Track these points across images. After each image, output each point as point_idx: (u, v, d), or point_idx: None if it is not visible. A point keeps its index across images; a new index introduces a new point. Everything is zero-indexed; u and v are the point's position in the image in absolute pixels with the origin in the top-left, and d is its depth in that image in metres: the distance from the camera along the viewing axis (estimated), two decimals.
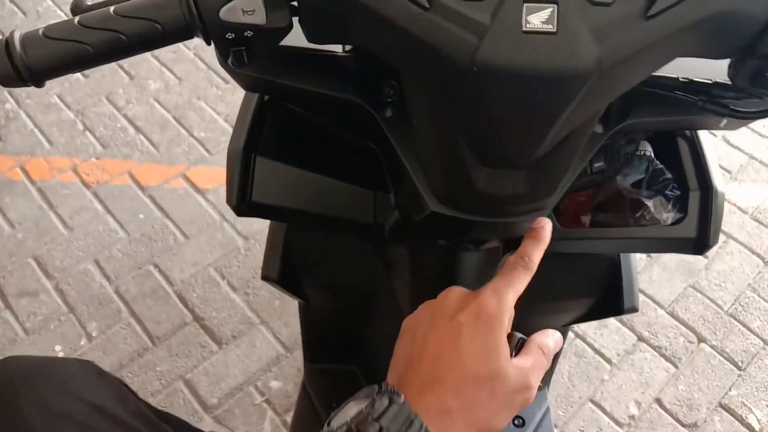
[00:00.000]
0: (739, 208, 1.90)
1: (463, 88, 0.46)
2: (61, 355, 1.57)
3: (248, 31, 0.46)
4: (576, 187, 0.75)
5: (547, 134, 0.48)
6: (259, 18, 0.45)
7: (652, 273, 1.74)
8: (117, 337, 1.60)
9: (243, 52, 0.47)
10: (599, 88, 0.46)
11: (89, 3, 0.55)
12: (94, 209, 1.83)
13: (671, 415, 1.52)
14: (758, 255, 1.80)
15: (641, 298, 1.70)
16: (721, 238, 1.83)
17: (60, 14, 2.36)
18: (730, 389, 1.57)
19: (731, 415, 1.53)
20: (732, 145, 2.02)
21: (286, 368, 1.55)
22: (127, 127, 2.02)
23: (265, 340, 1.59)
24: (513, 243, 0.71)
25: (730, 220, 1.87)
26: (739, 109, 0.54)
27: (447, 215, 0.59)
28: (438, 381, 0.50)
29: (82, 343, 1.59)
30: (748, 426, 1.52)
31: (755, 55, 0.47)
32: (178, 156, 1.95)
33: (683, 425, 1.51)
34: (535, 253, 0.58)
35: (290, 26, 0.48)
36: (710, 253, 1.79)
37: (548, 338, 0.56)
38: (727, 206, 1.89)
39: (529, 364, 0.53)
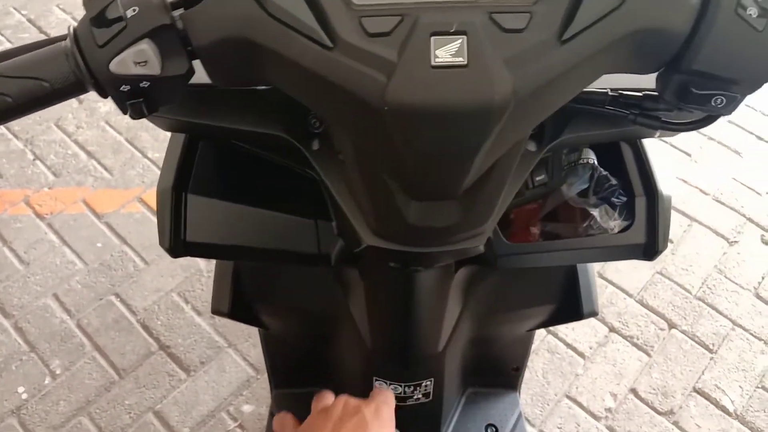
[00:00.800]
0: (700, 190, 1.91)
1: (378, 126, 0.43)
2: (24, 396, 1.52)
3: (144, 82, 0.43)
4: (520, 201, 0.73)
5: (470, 166, 0.46)
6: (154, 68, 0.42)
7: (618, 263, 1.74)
8: (82, 373, 1.56)
9: (141, 104, 0.44)
10: (519, 117, 0.44)
11: None
12: (49, 241, 1.78)
13: (647, 404, 1.53)
14: (722, 236, 1.81)
15: (610, 288, 1.70)
16: (685, 221, 1.84)
17: (1, 39, 2.29)
18: (703, 373, 1.57)
19: (706, 398, 1.54)
20: None
21: (258, 390, 1.52)
22: (78, 153, 1.97)
23: (234, 364, 1.56)
24: (466, 258, 0.70)
25: (692, 203, 1.88)
26: (671, 120, 0.53)
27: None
28: None
29: (46, 382, 1.54)
30: (722, 408, 1.52)
31: (679, 69, 0.45)
32: (132, 179, 1.90)
33: (660, 413, 1.51)
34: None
35: (191, 72, 0.45)
36: (675, 237, 1.80)
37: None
38: (688, 189, 1.90)
39: None
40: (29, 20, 2.35)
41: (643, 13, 0.43)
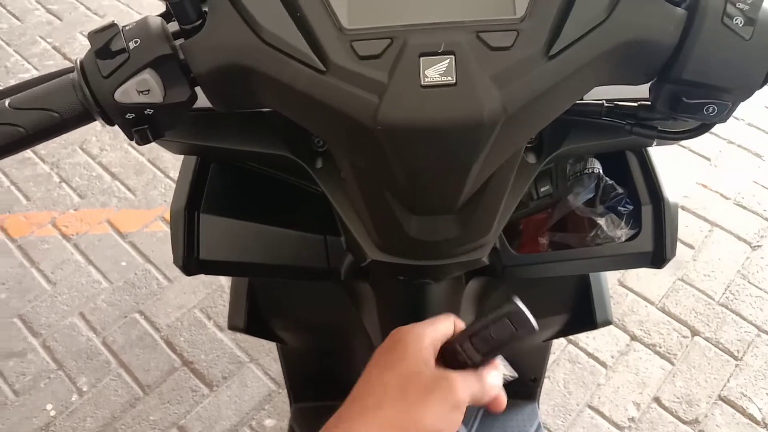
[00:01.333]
0: (721, 195, 1.88)
1: (373, 146, 0.45)
2: (53, 414, 1.55)
3: (148, 110, 0.45)
4: (526, 212, 0.74)
5: (465, 182, 0.47)
6: (156, 96, 0.44)
7: (638, 270, 1.72)
8: (108, 390, 1.59)
9: (146, 130, 0.46)
10: (510, 132, 0.45)
11: None
12: (75, 261, 1.82)
13: (671, 413, 1.51)
14: (744, 241, 1.79)
15: (631, 296, 1.69)
16: (706, 226, 1.82)
17: (28, 67, 2.36)
18: (728, 381, 1.55)
19: (732, 407, 1.51)
20: (709, 132, 2.00)
21: (279, 404, 1.53)
22: (102, 174, 2.02)
23: (255, 378, 1.57)
24: (476, 269, 0.70)
25: (713, 208, 1.85)
26: (667, 129, 0.53)
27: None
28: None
29: (73, 399, 1.58)
30: (750, 417, 1.50)
31: (670, 79, 0.46)
32: (155, 199, 1.94)
33: (684, 422, 1.49)
34: None
35: (193, 98, 0.47)
36: (696, 243, 1.78)
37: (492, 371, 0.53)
38: (709, 194, 1.88)
39: (455, 374, 0.50)
40: (54, 47, 2.42)
41: (628, 26, 0.44)
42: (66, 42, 2.44)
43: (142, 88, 0.44)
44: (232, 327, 0.90)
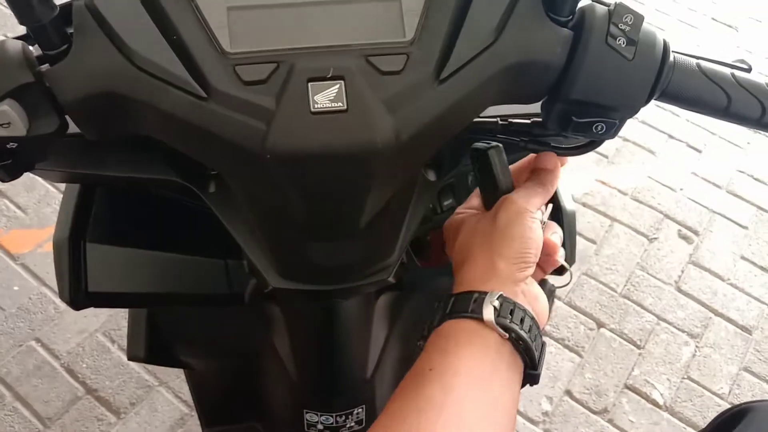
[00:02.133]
0: (619, 190, 1.98)
1: (264, 174, 0.43)
2: None
3: (11, 143, 0.41)
4: (431, 226, 0.73)
5: (363, 206, 0.46)
6: (19, 129, 0.40)
7: None
8: (2, 426, 1.47)
9: (10, 166, 0.42)
10: (406, 155, 0.44)
11: None
12: None
13: (582, 404, 1.56)
14: (642, 234, 1.88)
15: None
16: (607, 222, 1.90)
17: None
18: (632, 369, 1.62)
19: (637, 394, 1.59)
20: None
21: (193, 428, 1.47)
22: None
23: (166, 402, 1.50)
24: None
25: (612, 204, 1.94)
26: (560, 146, 0.54)
27: None
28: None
29: None
30: (653, 402, 1.58)
31: (559, 99, 0.47)
32: (48, 216, 1.82)
33: (594, 412, 1.55)
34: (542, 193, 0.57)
35: (63, 127, 0.43)
36: (598, 238, 1.86)
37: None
38: (607, 189, 1.97)
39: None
40: None
41: (516, 48, 0.44)
42: None
43: (1, 121, 0.39)
44: (132, 357, 0.85)
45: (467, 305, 0.50)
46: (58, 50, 0.40)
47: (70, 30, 0.41)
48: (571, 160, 0.76)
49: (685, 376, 1.62)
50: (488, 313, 0.48)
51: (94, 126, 0.43)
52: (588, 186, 1.97)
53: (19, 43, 0.42)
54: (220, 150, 0.42)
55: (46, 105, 0.41)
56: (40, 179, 1.88)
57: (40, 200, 1.85)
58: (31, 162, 0.44)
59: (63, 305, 1.62)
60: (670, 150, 2.11)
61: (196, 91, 0.40)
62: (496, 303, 0.49)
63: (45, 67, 0.41)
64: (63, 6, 0.41)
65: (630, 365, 1.63)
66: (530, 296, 0.53)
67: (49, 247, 1.73)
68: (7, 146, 0.41)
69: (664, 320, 1.71)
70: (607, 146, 2.07)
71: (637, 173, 2.03)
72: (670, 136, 2.14)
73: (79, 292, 0.65)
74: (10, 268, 1.72)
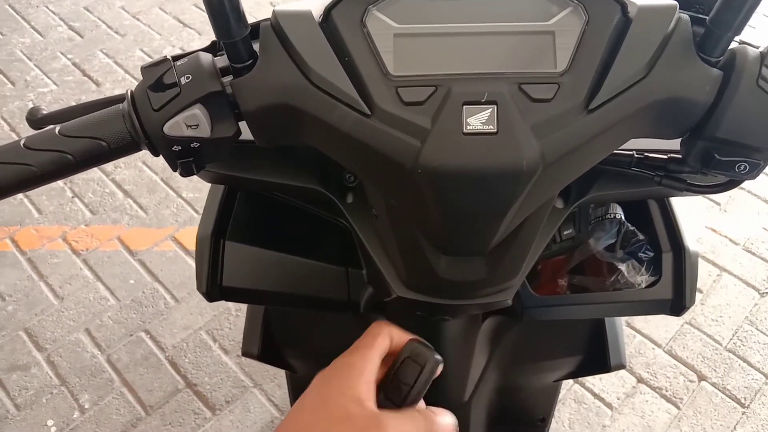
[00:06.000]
0: (730, 240, 1.89)
1: (411, 188, 0.46)
2: (53, 430, 1.54)
3: (195, 143, 0.46)
4: (548, 254, 0.74)
5: (499, 226, 0.48)
6: (204, 131, 0.45)
7: None
8: (110, 408, 1.58)
9: (191, 163, 0.47)
10: (547, 181, 0.46)
11: (44, 112, 0.56)
12: (84, 277, 1.82)
13: None
14: (753, 287, 1.79)
15: (638, 338, 1.68)
16: (715, 270, 1.82)
17: (47, 82, 2.39)
18: (735, 428, 1.54)
19: None
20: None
21: None
22: (115, 191, 2.03)
23: (258, 404, 1.57)
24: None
25: (722, 253, 1.86)
26: (696, 183, 0.54)
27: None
28: None
29: (74, 416, 1.57)
30: None
31: (703, 136, 0.47)
32: (166, 218, 1.95)
33: None
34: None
35: (238, 133, 0.48)
36: (705, 287, 1.78)
37: (442, 415, 0.52)
38: (718, 238, 1.88)
39: (391, 416, 0.46)
40: (74, 64, 2.46)
41: (666, 84, 0.45)
42: (86, 59, 2.47)
43: (191, 122, 0.45)
44: (246, 353, 0.90)
45: None
46: (244, 64, 0.46)
47: (256, 46, 0.46)
48: (681, 205, 0.75)
49: None
50: None
51: (267, 134, 0.48)
52: (697, 233, 1.90)
53: (209, 56, 0.47)
54: (374, 162, 0.46)
55: (228, 112, 0.46)
56: (162, 183, 2.03)
57: (160, 202, 1.99)
58: (205, 162, 0.49)
59: (173, 301, 1.73)
60: None
61: (362, 108, 0.44)
62: None
63: (229, 78, 0.47)
64: (253, 24, 0.47)
65: (732, 423, 1.54)
66: None
67: (165, 247, 1.86)
68: (191, 145, 0.46)
69: None
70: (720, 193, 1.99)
71: (751, 223, 1.93)
72: None
73: (214, 286, 0.71)
74: (128, 262, 1.85)
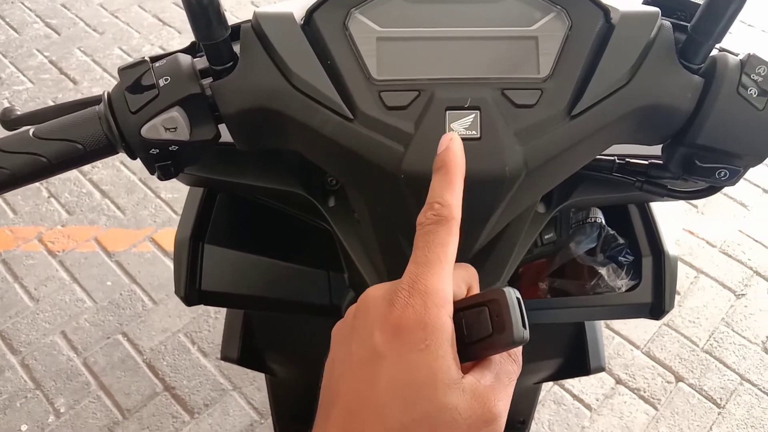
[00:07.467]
0: (707, 242, 1.91)
1: (394, 192, 0.45)
2: None
3: (173, 146, 0.45)
4: (529, 258, 0.74)
5: (482, 231, 0.48)
6: (183, 134, 0.45)
7: None
8: (86, 412, 1.55)
9: (169, 166, 0.46)
10: (529, 186, 0.46)
11: (19, 113, 0.55)
12: (60, 278, 1.79)
13: None
14: (729, 288, 1.81)
15: (617, 340, 1.70)
16: (692, 273, 1.84)
17: (23, 80, 2.35)
18: (711, 428, 1.55)
19: None
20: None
21: None
22: (92, 192, 2.00)
23: (238, 407, 1.55)
24: None
25: (699, 255, 1.88)
26: (676, 189, 0.54)
27: None
28: None
29: (50, 420, 1.54)
30: None
31: (684, 143, 0.47)
32: (145, 219, 1.93)
33: None
34: (447, 192, 0.37)
35: (218, 136, 0.47)
36: (682, 289, 1.80)
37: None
38: (695, 241, 1.91)
39: (489, 380, 0.36)
40: (51, 61, 2.42)
41: (648, 91, 0.45)
42: (63, 57, 2.43)
43: (169, 125, 0.44)
44: (225, 358, 0.89)
45: None
46: (224, 66, 0.45)
47: (236, 48, 0.46)
48: (658, 207, 0.76)
49: None
50: None
51: (247, 137, 0.48)
52: (675, 235, 1.92)
53: (189, 57, 0.47)
54: (357, 166, 0.45)
55: (207, 115, 0.46)
56: (140, 183, 2.00)
57: (138, 203, 1.97)
58: (184, 165, 0.48)
59: (150, 304, 1.71)
60: (764, 204, 2.03)
61: (344, 112, 0.43)
62: None
63: (208, 80, 0.46)
64: (233, 26, 0.46)
65: (708, 424, 1.56)
66: None
67: (143, 248, 1.83)
68: (170, 148, 0.45)
69: (748, 381, 1.63)
70: None
71: (728, 226, 1.96)
72: (765, 191, 2.06)
73: (193, 290, 0.70)
74: (106, 264, 1.83)
